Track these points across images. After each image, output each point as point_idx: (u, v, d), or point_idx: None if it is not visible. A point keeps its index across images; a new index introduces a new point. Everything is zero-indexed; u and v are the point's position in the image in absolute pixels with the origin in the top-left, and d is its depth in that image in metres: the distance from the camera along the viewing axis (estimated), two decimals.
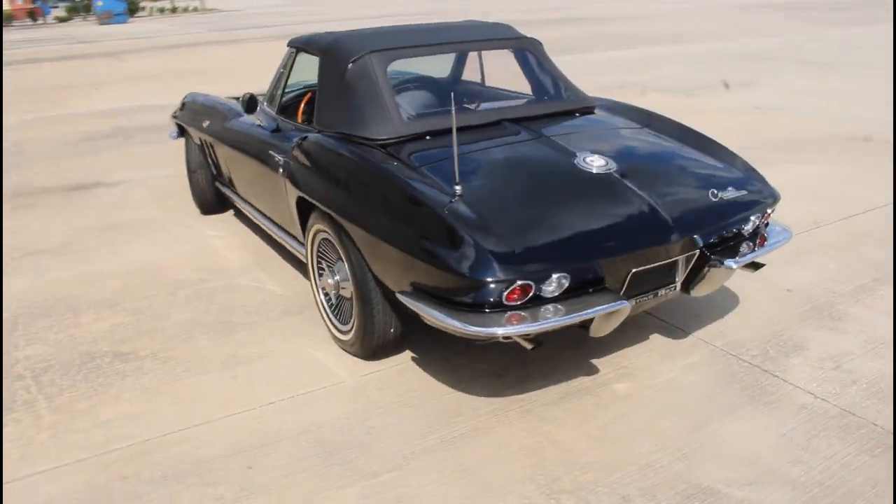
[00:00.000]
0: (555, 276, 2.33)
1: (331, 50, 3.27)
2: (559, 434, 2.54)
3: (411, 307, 2.45)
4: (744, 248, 2.81)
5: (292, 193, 3.19)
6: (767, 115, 7.66)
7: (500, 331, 2.26)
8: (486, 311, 2.31)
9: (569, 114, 3.36)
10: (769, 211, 2.93)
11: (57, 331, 3.36)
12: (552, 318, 2.31)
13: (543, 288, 2.35)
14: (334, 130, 3.13)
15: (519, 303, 2.32)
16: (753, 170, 3.07)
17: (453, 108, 2.52)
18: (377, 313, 2.78)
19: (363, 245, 2.70)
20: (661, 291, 2.67)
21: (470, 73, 4.30)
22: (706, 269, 2.69)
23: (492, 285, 2.27)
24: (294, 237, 3.50)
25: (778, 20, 18.24)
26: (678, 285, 2.72)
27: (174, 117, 5.01)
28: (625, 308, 2.41)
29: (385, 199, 2.65)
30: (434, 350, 3.07)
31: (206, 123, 4.40)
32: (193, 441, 2.54)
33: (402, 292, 2.52)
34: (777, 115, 7.62)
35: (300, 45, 3.60)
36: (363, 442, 2.52)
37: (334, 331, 3.11)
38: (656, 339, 3.16)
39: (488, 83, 3.92)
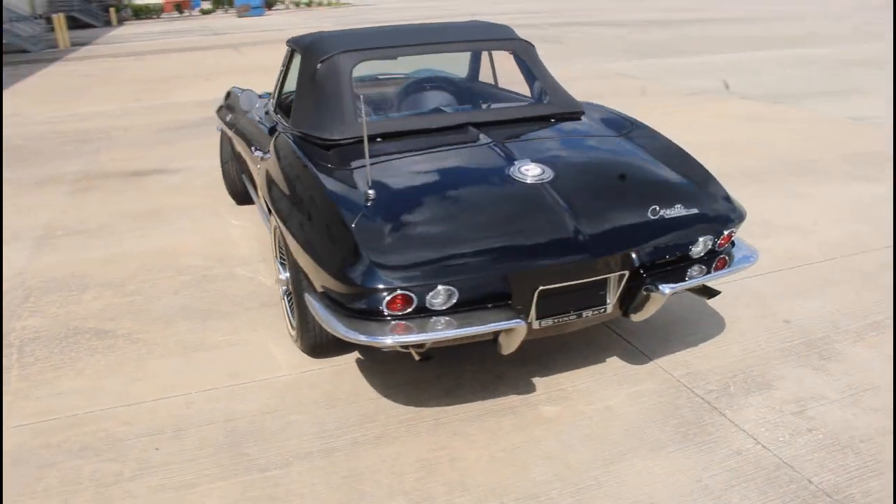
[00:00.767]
0: (441, 287, 2.26)
1: (307, 49, 3.34)
2: (462, 452, 2.47)
3: (310, 309, 2.46)
4: (693, 271, 2.60)
5: (263, 190, 3.30)
6: (860, 126, 6.97)
7: (385, 340, 2.23)
8: (374, 319, 2.28)
9: (543, 119, 3.24)
10: (726, 232, 2.68)
11: (58, 306, 3.66)
12: (440, 331, 2.24)
13: (430, 299, 2.28)
14: (300, 130, 3.19)
15: (403, 312, 2.28)
16: (719, 189, 2.82)
17: (363, 116, 2.51)
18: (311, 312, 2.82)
19: (290, 243, 2.74)
20: (587, 313, 2.52)
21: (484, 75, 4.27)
22: (642, 291, 2.51)
23: (372, 293, 2.24)
24: None
25: None
26: (609, 307, 2.55)
27: (217, 110, 5.29)
28: (520, 327, 2.29)
29: (304, 201, 2.68)
30: (379, 354, 3.07)
31: (228, 117, 4.62)
32: (121, 419, 2.70)
33: (311, 293, 2.54)
34: (871, 127, 6.92)
35: (293, 45, 3.69)
36: (270, 436, 2.58)
37: (288, 325, 3.19)
38: (612, 363, 2.99)
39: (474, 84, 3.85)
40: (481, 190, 2.61)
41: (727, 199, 2.77)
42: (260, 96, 4.53)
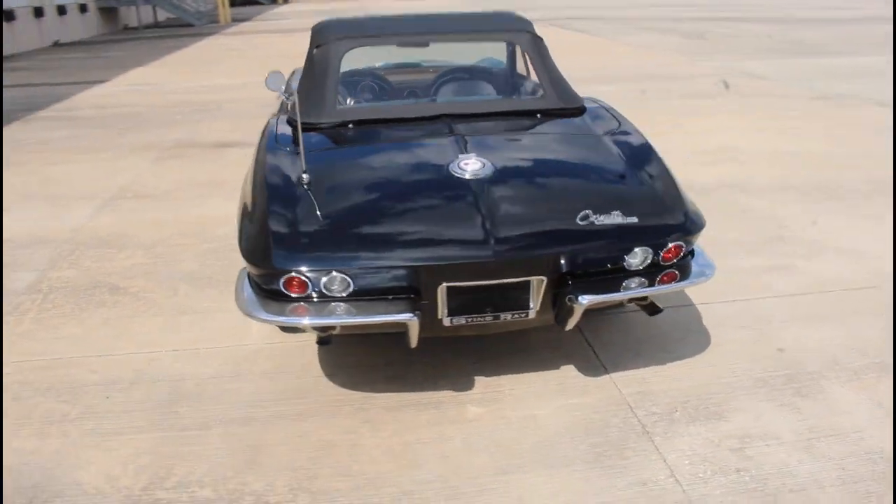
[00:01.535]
0: (336, 274, 2.28)
1: (312, 34, 3.44)
2: (366, 439, 2.49)
3: (237, 282, 2.56)
4: (632, 283, 2.43)
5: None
6: None
7: (278, 318, 2.29)
8: (278, 299, 2.35)
9: (530, 114, 3.13)
10: (671, 245, 2.47)
11: (94, 261, 4.06)
12: (333, 317, 2.27)
13: (326, 285, 2.31)
14: (292, 112, 3.31)
15: (303, 295, 2.32)
16: (676, 200, 2.60)
17: (297, 103, 2.56)
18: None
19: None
20: (507, 316, 2.43)
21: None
22: (564, 300, 2.39)
23: (270, 274, 2.31)
24: None
25: None
26: (533, 312, 2.45)
27: None
28: (411, 322, 2.26)
29: (248, 181, 2.78)
30: (346, 335, 3.14)
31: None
32: (91, 367, 2.97)
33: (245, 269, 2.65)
34: None
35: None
36: (206, 399, 2.73)
37: None
38: (566, 371, 2.87)
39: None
40: (412, 183, 2.59)
41: (682, 211, 2.55)
42: None
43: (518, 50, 3.36)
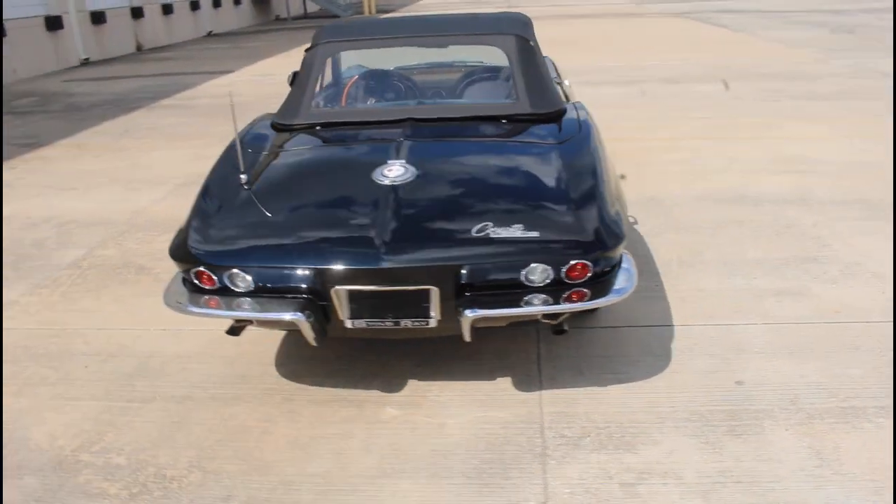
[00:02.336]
0: (236, 271, 2.43)
1: (312, 38, 3.59)
2: (277, 428, 2.63)
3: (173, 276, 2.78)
4: (534, 300, 2.37)
5: None
6: None
7: (190, 309, 2.48)
8: (195, 291, 2.53)
9: (495, 119, 3.11)
10: (573, 262, 2.37)
11: (136, 242, 4.50)
12: (235, 311, 2.43)
13: (229, 281, 2.46)
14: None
15: (214, 289, 2.49)
16: (591, 218, 2.50)
17: (232, 104, 2.71)
18: None
19: None
20: (407, 322, 2.46)
21: None
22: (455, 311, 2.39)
23: (183, 266, 2.50)
24: None
25: None
26: (434, 321, 2.45)
27: None
28: (300, 321, 2.36)
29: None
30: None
31: None
32: (85, 339, 3.34)
33: None
34: None
35: None
36: (163, 376, 2.99)
37: None
38: (500, 383, 2.85)
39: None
40: (332, 187, 2.69)
41: (592, 229, 2.43)
42: None
43: (500, 54, 3.33)
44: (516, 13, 3.67)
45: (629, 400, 2.71)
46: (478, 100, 3.36)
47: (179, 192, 5.44)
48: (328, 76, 3.88)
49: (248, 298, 2.48)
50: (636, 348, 3.05)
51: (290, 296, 2.46)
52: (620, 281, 2.50)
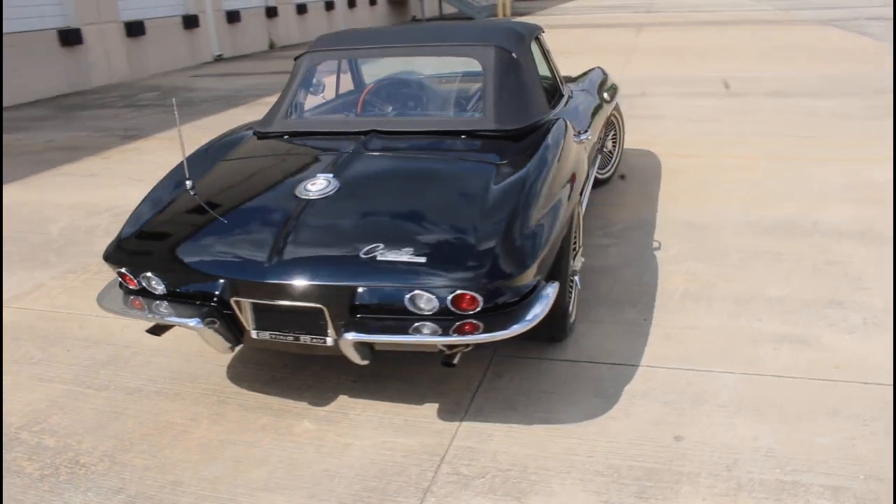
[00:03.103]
0: (150, 275, 2.51)
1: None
2: (197, 429, 2.71)
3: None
4: (423, 328, 2.27)
5: None
6: None
7: (115, 309, 2.60)
8: (127, 292, 2.66)
9: (454, 135, 3.02)
10: (461, 292, 2.23)
11: None
12: (151, 313, 2.52)
13: (146, 284, 2.55)
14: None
15: (134, 289, 2.60)
16: (489, 248, 2.34)
17: (175, 110, 2.80)
18: None
19: None
20: (305, 338, 2.44)
21: None
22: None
23: (111, 266, 2.63)
24: None
25: None
26: (330, 340, 2.42)
27: None
28: (197, 328, 2.40)
29: None
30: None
31: None
32: (81, 324, 3.60)
33: None
34: None
35: None
36: (128, 366, 3.17)
37: None
38: (425, 409, 2.76)
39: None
40: (259, 198, 2.73)
41: (486, 260, 2.26)
42: None
43: (477, 66, 3.21)
44: (516, 23, 3.53)
45: (548, 443, 2.54)
46: (447, 114, 3.27)
47: None
48: (340, 84, 3.94)
49: (164, 301, 2.58)
50: (586, 387, 2.85)
51: (198, 303, 2.53)
52: (536, 310, 2.34)
